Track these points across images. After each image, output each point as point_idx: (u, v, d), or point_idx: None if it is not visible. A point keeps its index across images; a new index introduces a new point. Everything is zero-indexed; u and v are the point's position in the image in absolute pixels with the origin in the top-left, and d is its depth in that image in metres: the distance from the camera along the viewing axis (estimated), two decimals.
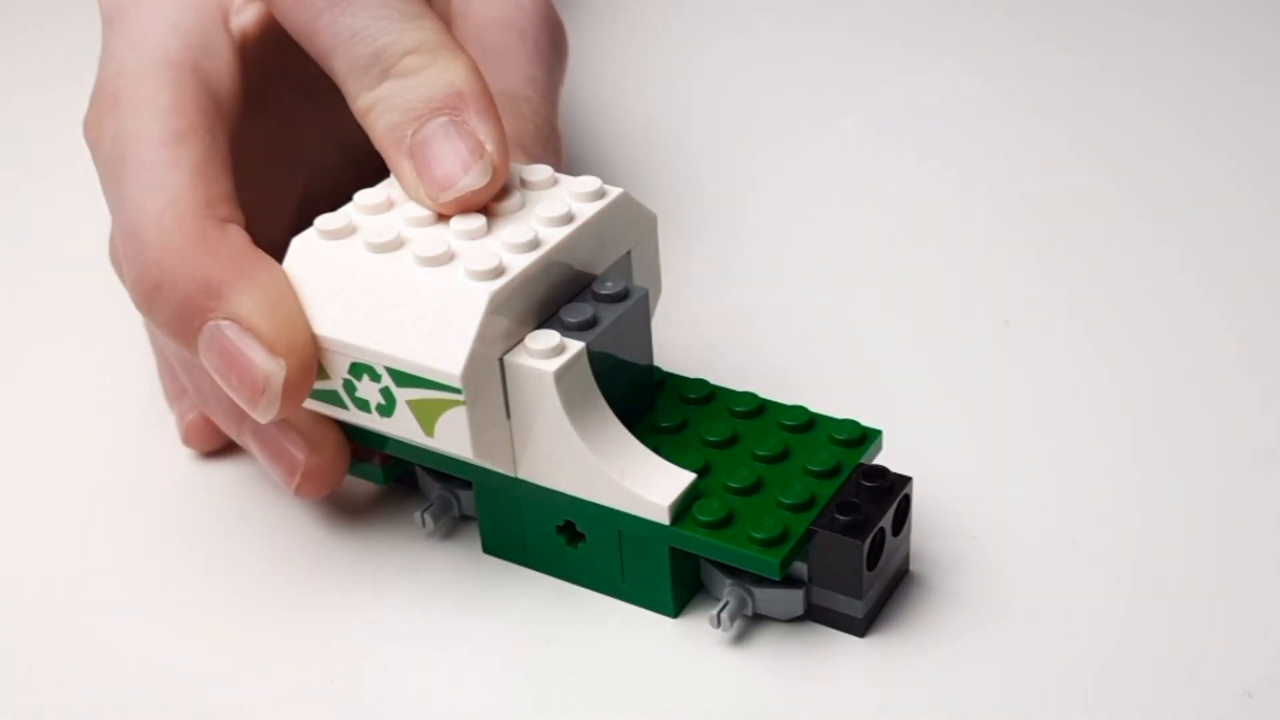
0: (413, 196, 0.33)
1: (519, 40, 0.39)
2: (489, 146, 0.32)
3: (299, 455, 0.34)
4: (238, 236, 0.32)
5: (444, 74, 0.32)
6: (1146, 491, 0.36)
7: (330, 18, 0.33)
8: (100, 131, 0.34)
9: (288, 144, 0.39)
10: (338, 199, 0.34)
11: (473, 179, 0.32)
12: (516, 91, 0.38)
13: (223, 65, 0.35)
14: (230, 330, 0.31)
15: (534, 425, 0.32)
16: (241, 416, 0.34)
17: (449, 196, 0.32)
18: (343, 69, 0.33)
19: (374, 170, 0.36)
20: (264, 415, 0.32)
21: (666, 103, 0.56)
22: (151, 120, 0.33)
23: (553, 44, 0.41)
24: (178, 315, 0.32)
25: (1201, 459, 0.37)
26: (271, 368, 0.31)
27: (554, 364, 0.31)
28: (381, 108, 0.33)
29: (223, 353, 0.32)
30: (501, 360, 0.31)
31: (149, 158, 0.33)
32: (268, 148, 0.38)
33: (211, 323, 0.32)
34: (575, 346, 0.32)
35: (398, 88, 0.32)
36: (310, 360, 0.32)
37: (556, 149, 0.38)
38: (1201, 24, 0.59)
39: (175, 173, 0.32)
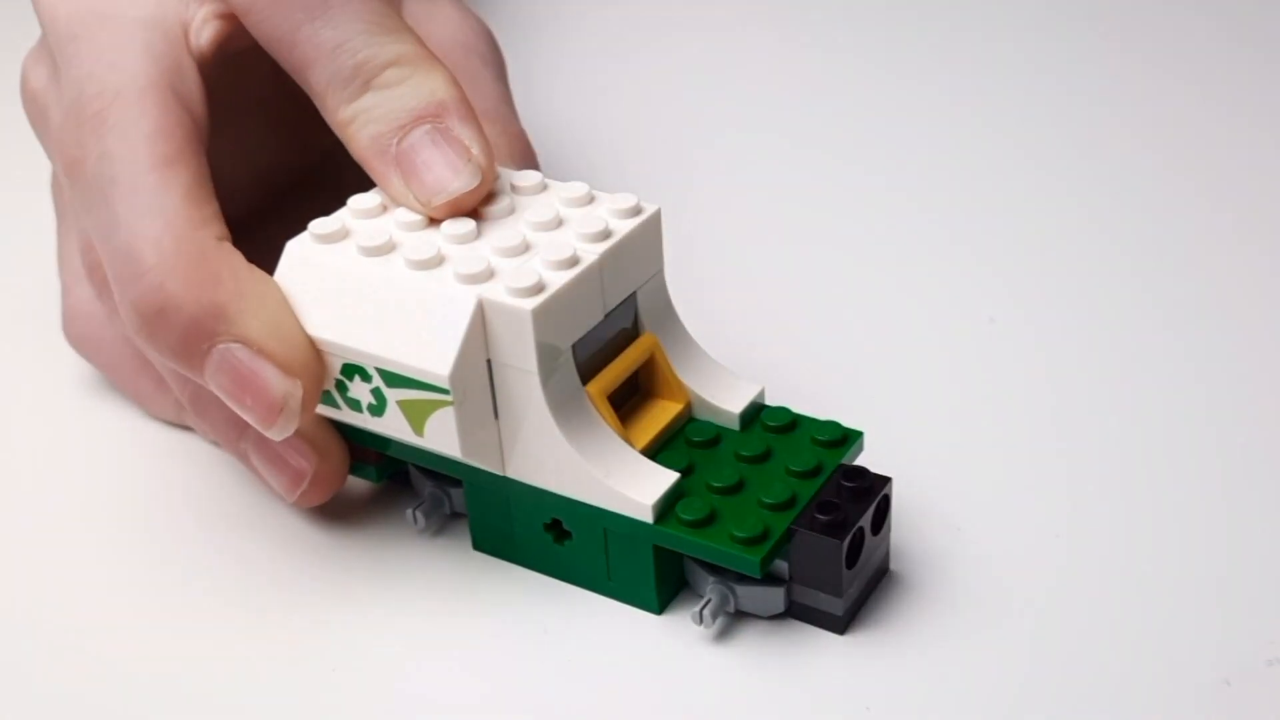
0: (400, 203, 0.33)
1: (481, 64, 0.41)
2: (474, 150, 0.33)
3: (305, 464, 0.34)
4: (235, 255, 0.33)
5: (425, 84, 0.33)
6: (1127, 487, 0.36)
7: (311, 30, 0.33)
8: (84, 150, 0.34)
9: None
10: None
11: (463, 182, 0.33)
12: (493, 111, 0.39)
13: (194, 89, 0.35)
14: (241, 353, 0.32)
15: (521, 425, 0.32)
16: (242, 429, 0.35)
17: (440, 200, 0.33)
18: (322, 81, 0.33)
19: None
20: (279, 434, 0.32)
21: (651, 103, 0.56)
22: (140, 144, 0.33)
23: (501, 59, 0.42)
24: (183, 339, 0.32)
25: (1182, 454, 0.37)
26: (288, 388, 0.32)
27: None
28: (364, 119, 0.33)
29: (235, 375, 0.32)
30: (489, 361, 0.32)
31: (141, 182, 0.33)
32: None
33: (221, 345, 0.32)
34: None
35: (380, 99, 0.33)
36: (320, 377, 0.33)
37: (534, 160, 0.39)
38: (1182, 22, 0.59)
39: (168, 196, 0.33)
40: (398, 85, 0.33)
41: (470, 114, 0.33)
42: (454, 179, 0.33)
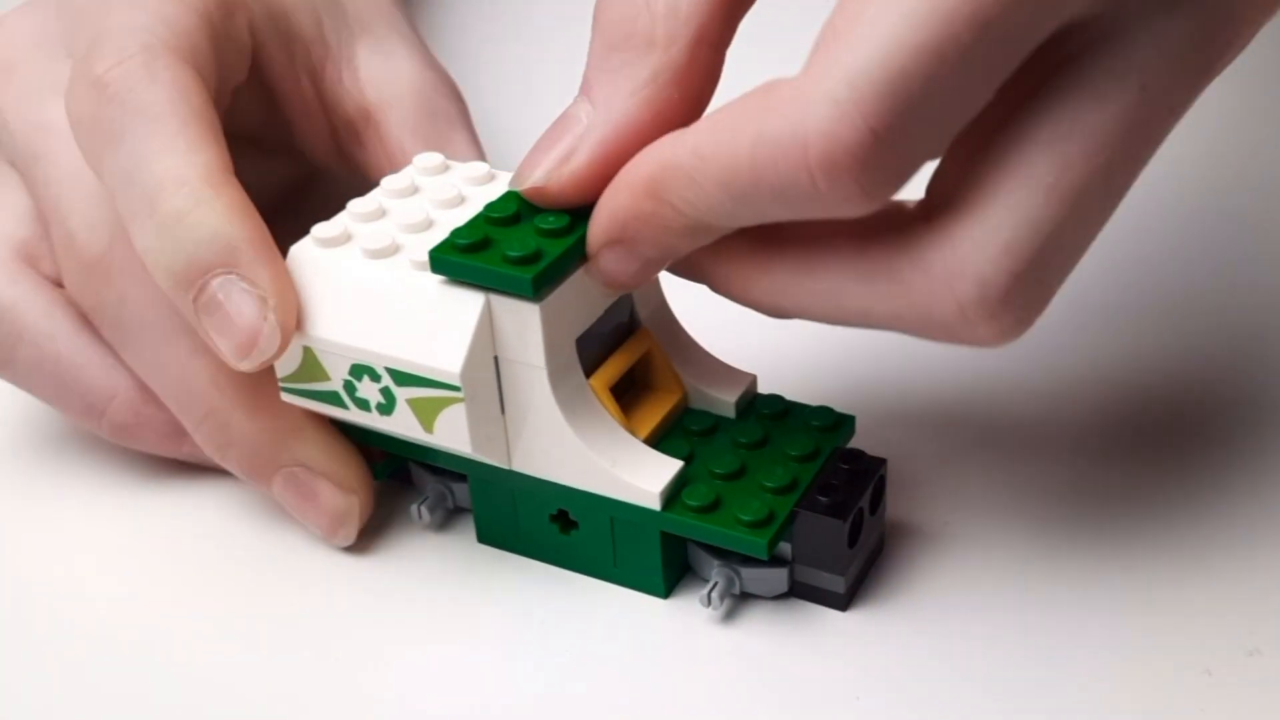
0: (214, 349, 0.33)
1: (447, 125, 0.40)
2: (270, 302, 0.32)
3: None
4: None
5: (206, 224, 0.32)
6: (1113, 477, 0.37)
7: (111, 157, 0.33)
8: (102, 309, 0.35)
9: None
10: None
11: (266, 343, 0.32)
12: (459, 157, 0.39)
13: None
14: (304, 475, 0.35)
15: (528, 419, 0.33)
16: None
17: (249, 366, 0.33)
18: (122, 213, 0.33)
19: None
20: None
21: None
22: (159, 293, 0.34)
23: (464, 107, 0.42)
24: (251, 468, 0.35)
25: (1168, 444, 0.38)
26: (349, 504, 0.36)
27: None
28: (153, 259, 0.33)
29: (299, 494, 0.35)
30: (497, 358, 0.33)
31: (179, 322, 0.35)
32: None
33: (286, 470, 0.35)
34: None
35: (167, 242, 0.32)
36: (370, 485, 0.36)
37: None
38: None
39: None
40: (178, 223, 0.32)
41: (260, 251, 0.33)
42: (261, 336, 0.32)
